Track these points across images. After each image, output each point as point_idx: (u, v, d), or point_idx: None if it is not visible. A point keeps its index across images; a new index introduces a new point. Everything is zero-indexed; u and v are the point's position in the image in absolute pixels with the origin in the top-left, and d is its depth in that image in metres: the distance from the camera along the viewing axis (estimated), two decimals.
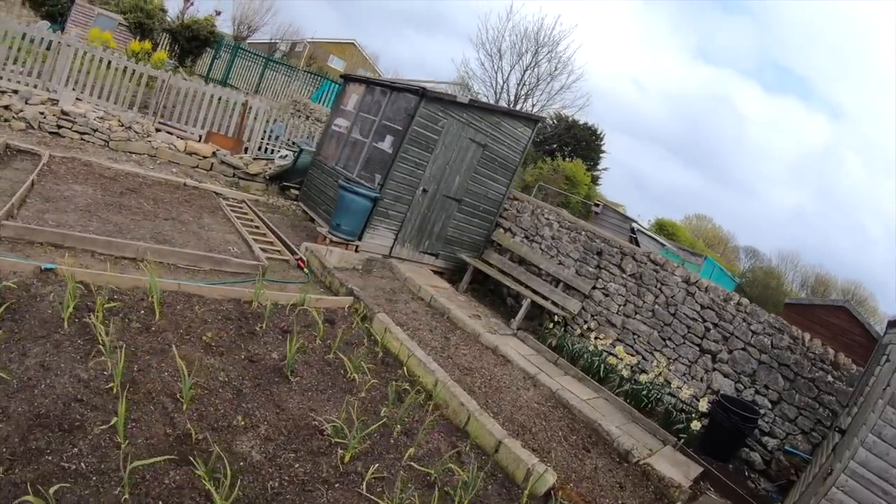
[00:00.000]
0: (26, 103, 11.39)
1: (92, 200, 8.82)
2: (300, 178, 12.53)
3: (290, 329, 6.59)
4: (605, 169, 37.94)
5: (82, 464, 3.84)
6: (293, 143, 14.49)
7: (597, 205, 30.11)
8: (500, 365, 7.60)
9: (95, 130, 11.54)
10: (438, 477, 4.84)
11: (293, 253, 8.98)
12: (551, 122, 34.93)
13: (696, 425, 7.88)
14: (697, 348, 9.29)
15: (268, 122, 14.99)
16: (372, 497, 4.44)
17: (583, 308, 10.38)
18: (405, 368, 6.49)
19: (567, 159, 31.81)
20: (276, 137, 15.00)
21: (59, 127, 11.35)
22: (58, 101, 11.95)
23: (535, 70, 32.41)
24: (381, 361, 6.53)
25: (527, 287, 10.59)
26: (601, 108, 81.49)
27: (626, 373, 8.98)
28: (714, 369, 9.05)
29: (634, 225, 29.58)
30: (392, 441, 5.21)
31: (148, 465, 3.96)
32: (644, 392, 8.70)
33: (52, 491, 3.39)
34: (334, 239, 9.62)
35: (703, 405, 8.19)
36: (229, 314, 6.56)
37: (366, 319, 7.36)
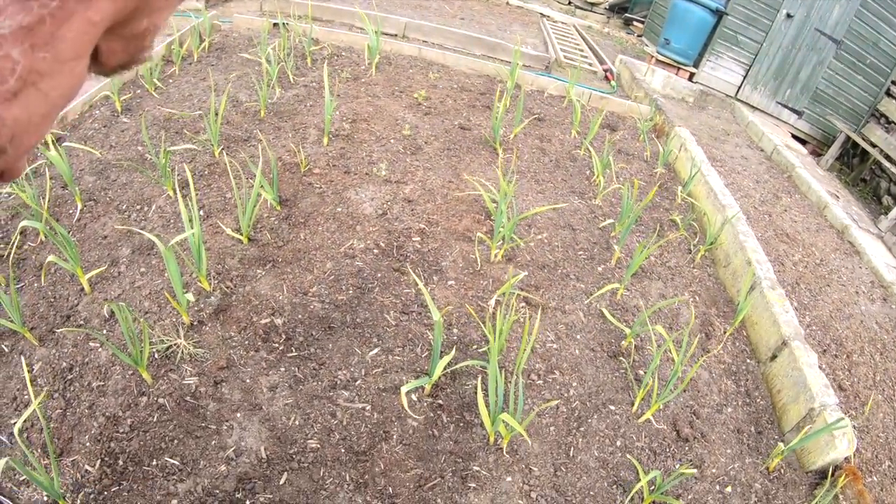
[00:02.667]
0: None
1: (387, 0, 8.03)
2: (645, 12, 10.22)
3: (544, 116, 4.80)
4: None
5: None
6: None
7: None
8: (842, 253, 4.69)
9: None
10: (633, 343, 2.74)
11: (603, 63, 7.01)
12: None
13: None
14: None
15: None
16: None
17: None
18: (687, 194, 4.23)
19: None
20: None
21: None
22: None
23: None
24: (655, 179, 4.39)
25: None
26: None
27: None
28: None
29: None
30: (601, 268, 3.19)
31: None
32: None
33: None
34: (660, 58, 7.30)
35: None
36: (470, 87, 5.07)
37: (661, 135, 5.16)
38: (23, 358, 2.25)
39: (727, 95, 7.56)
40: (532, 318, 2.68)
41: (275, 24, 5.66)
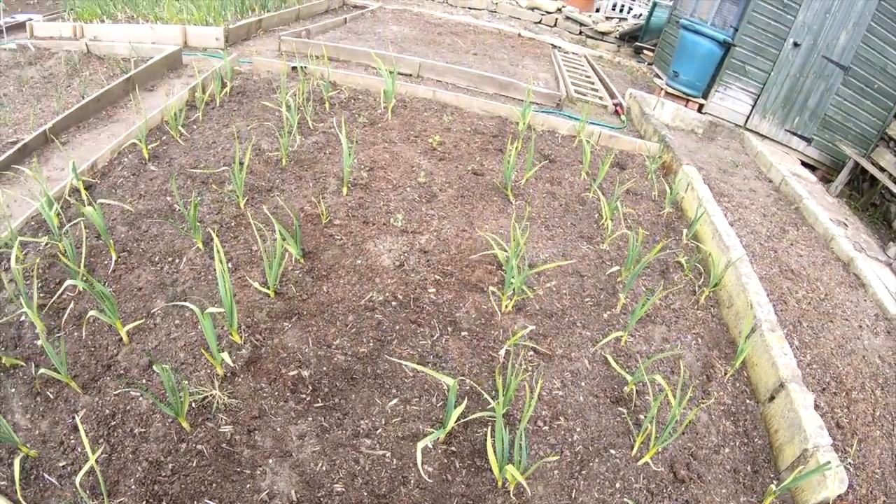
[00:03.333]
0: None
1: (402, 37, 8.38)
2: (655, 40, 10.46)
3: (555, 157, 5.01)
4: None
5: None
6: (650, 2, 12.32)
7: None
8: (847, 286, 4.82)
9: None
10: (634, 389, 2.93)
11: (613, 97, 7.22)
12: None
13: None
14: None
15: None
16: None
17: None
18: (693, 235, 4.41)
19: None
20: None
21: None
22: None
23: None
24: (662, 222, 4.57)
25: None
26: None
27: None
28: None
29: None
30: (607, 315, 3.39)
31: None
32: None
33: None
34: (670, 90, 7.49)
35: None
36: (483, 129, 5.31)
37: (669, 172, 5.34)
38: (75, 415, 2.50)
39: (736, 125, 7.73)
40: (539, 368, 2.89)
41: (293, 68, 5.94)
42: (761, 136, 7.79)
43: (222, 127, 4.77)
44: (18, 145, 4.32)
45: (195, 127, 4.77)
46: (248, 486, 2.27)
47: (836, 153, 7.99)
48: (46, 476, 2.27)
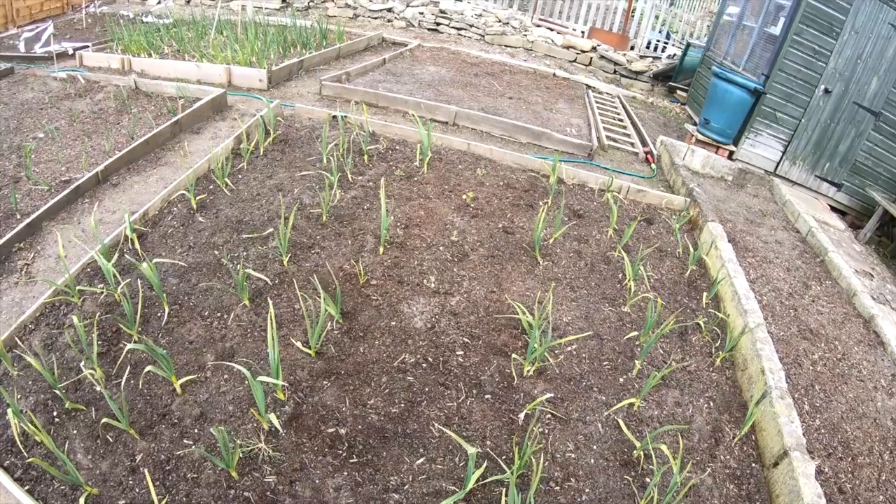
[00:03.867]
0: (407, 6, 12.45)
1: (439, 78, 8.73)
2: (688, 79, 10.62)
3: (583, 213, 5.26)
4: None
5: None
6: (684, 41, 12.47)
7: None
8: (866, 345, 4.91)
9: (471, 26, 12.03)
10: (642, 454, 3.15)
11: (644, 145, 7.45)
12: None
13: None
14: None
15: (657, 18, 13.11)
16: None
17: None
18: (713, 295, 4.60)
19: None
20: (667, 35, 13.09)
21: (437, 24, 12.12)
22: (438, 2, 12.51)
23: None
24: (685, 280, 4.77)
25: None
26: None
27: None
28: None
29: None
30: (622, 379, 3.62)
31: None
32: None
33: None
34: (701, 137, 7.68)
35: None
36: (515, 183, 5.60)
37: (695, 227, 5.55)
38: (133, 458, 2.83)
39: (766, 171, 7.86)
40: (555, 431, 3.15)
41: (333, 117, 6.32)
42: (791, 181, 7.90)
43: (266, 178, 5.16)
44: (72, 186, 4.77)
45: (240, 177, 5.16)
46: None
47: (866, 199, 8.06)
48: None
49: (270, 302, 3.44)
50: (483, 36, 11.79)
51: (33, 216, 4.38)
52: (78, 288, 3.70)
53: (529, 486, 2.79)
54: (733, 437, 3.45)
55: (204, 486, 2.71)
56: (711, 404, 3.62)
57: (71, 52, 8.58)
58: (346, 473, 2.81)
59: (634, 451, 3.14)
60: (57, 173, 5.14)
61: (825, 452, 3.62)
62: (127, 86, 7.07)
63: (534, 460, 2.88)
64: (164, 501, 2.63)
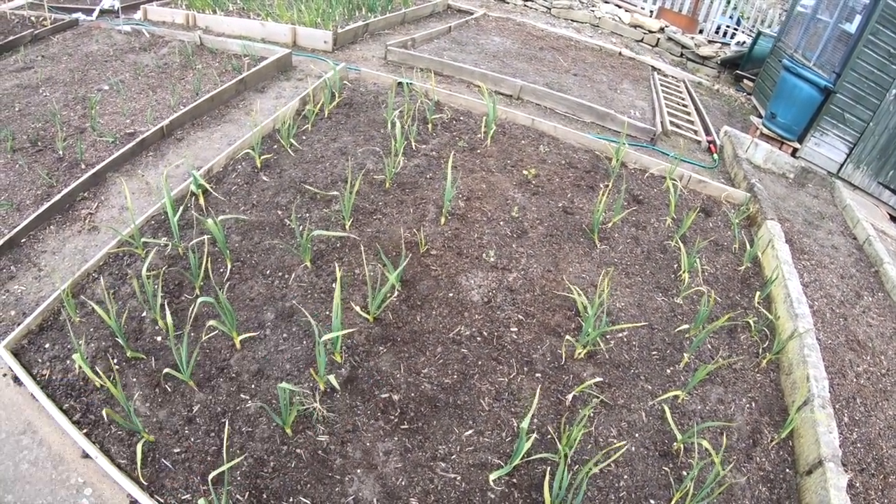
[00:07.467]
0: None
1: (504, 49, 8.67)
2: (757, 69, 10.33)
3: (643, 199, 5.26)
4: None
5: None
6: (755, 29, 12.06)
7: None
8: None
9: None
10: (682, 446, 3.23)
11: (708, 134, 7.34)
12: None
13: None
14: None
15: (728, 3, 12.65)
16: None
17: None
18: (766, 296, 4.58)
19: None
20: (738, 21, 12.66)
21: None
22: None
23: None
24: (739, 276, 4.76)
25: None
26: None
27: None
28: None
29: None
30: (669, 371, 3.67)
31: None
32: None
33: None
34: (765, 131, 7.52)
35: None
36: (577, 162, 5.61)
37: (753, 223, 5.50)
38: (191, 408, 3.01)
39: (829, 173, 7.68)
40: (601, 415, 3.24)
41: (399, 83, 6.34)
42: (853, 186, 7.71)
43: (330, 140, 5.25)
44: (137, 139, 4.90)
45: (304, 138, 5.26)
46: (336, 489, 2.72)
47: None
48: (163, 460, 2.76)
49: (336, 265, 3.57)
50: (549, 9, 11.61)
51: (98, 166, 4.53)
52: (143, 240, 3.85)
53: (572, 466, 2.90)
54: (771, 440, 3.50)
55: (258, 440, 2.87)
56: (753, 405, 3.67)
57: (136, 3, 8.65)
58: (396, 439, 2.94)
59: (675, 444, 3.22)
60: (122, 125, 5.28)
61: (858, 467, 3.65)
62: (192, 41, 7.15)
63: (592, 447, 2.98)
64: (218, 451, 2.78)
